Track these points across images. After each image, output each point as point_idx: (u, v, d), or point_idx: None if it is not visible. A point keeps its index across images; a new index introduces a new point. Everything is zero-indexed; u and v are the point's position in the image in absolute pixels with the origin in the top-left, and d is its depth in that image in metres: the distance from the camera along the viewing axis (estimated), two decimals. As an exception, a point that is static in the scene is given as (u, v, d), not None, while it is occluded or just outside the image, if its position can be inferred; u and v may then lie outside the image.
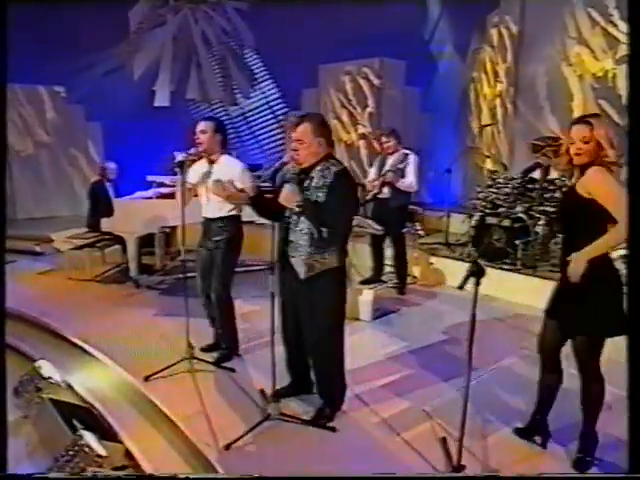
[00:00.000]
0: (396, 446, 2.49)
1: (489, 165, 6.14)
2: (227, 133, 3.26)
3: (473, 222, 5.26)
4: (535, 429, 2.52)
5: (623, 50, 5.77)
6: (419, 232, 5.99)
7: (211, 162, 3.19)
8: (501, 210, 5.04)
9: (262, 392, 2.87)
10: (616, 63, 5.81)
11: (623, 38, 5.75)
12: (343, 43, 8.24)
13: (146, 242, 5.24)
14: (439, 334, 3.91)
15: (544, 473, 2.32)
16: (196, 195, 3.27)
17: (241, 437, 2.45)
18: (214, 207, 3.18)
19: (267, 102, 10.36)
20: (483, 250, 5.17)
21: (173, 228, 5.80)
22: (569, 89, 6.00)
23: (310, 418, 2.64)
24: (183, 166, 3.06)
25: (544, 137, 5.32)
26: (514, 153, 6.38)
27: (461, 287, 2.04)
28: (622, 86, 5.80)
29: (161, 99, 8.47)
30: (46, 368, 3.18)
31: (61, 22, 7.20)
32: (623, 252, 2.63)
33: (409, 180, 4.69)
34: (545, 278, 4.66)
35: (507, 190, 5.01)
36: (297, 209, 2.34)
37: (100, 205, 5.25)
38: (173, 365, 3.15)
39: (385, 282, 5.06)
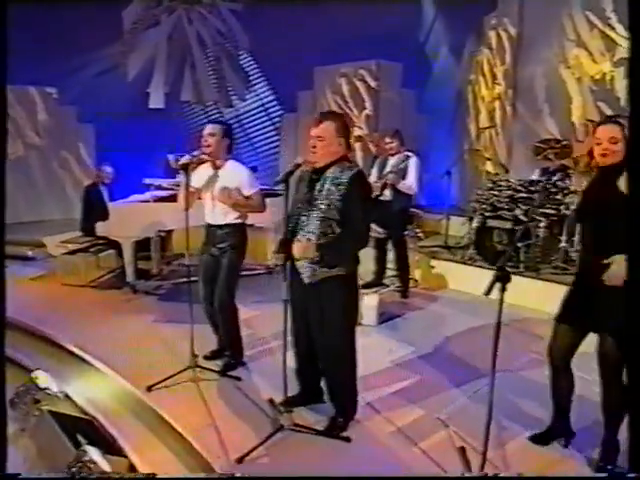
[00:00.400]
0: (413, 456, 2.41)
1: (489, 167, 6.12)
2: (234, 138, 3.18)
3: (474, 225, 5.23)
4: (554, 434, 2.46)
5: (621, 53, 5.79)
6: (419, 235, 5.95)
7: (216, 167, 3.10)
8: (502, 212, 5.01)
9: (271, 401, 2.77)
10: (614, 65, 5.83)
11: (621, 41, 5.77)
12: (339, 45, 8.21)
13: (141, 246, 5.11)
14: (445, 339, 3.85)
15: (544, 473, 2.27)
16: (200, 198, 3.17)
17: (254, 449, 2.36)
18: (219, 214, 3.10)
19: (262, 104, 10.28)
20: (485, 253, 5.14)
21: (169, 232, 5.69)
22: (568, 92, 6.00)
23: (323, 428, 2.55)
24: (187, 169, 2.97)
25: (546, 139, 5.31)
26: (512, 155, 6.37)
27: (487, 293, 1.97)
28: (620, 88, 5.82)
29: (155, 101, 8.34)
30: (43, 378, 3.06)
31: (53, 22, 7.05)
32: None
33: (409, 181, 4.64)
34: (548, 280, 4.64)
35: (509, 192, 4.98)
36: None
37: (94, 209, 5.12)
38: (177, 374, 3.04)
39: (387, 286, 5.00)
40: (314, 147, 2.33)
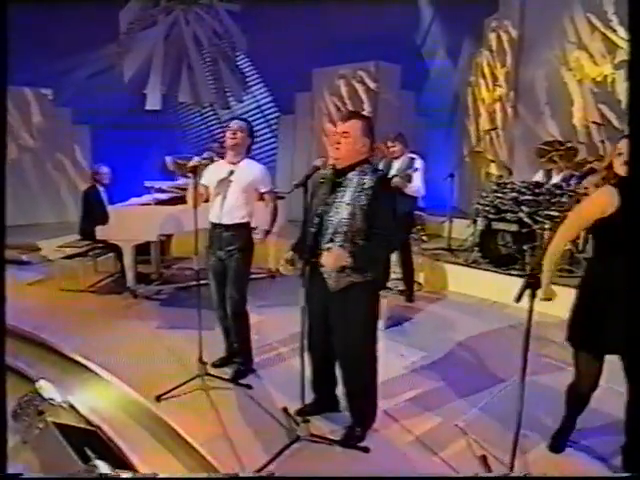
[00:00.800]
0: (434, 466, 2.35)
1: (493, 170, 6.10)
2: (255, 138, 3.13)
3: (479, 227, 5.19)
4: (565, 437, 2.43)
5: (622, 55, 5.80)
6: (422, 237, 5.90)
7: (233, 164, 3.03)
8: (506, 215, 4.98)
9: (285, 411, 2.70)
10: (615, 68, 5.84)
11: (622, 43, 5.79)
12: (337, 46, 8.17)
13: (139, 250, 5.00)
14: (456, 343, 3.80)
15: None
16: (207, 200, 3.09)
17: (271, 461, 2.28)
18: (228, 213, 3.01)
19: (258, 106, 10.20)
20: (489, 255, 5.11)
21: (168, 236, 5.59)
22: (569, 94, 6.01)
23: (341, 438, 2.48)
24: (196, 171, 2.89)
25: (550, 141, 5.29)
26: (514, 157, 6.36)
27: (518, 300, 1.91)
28: (621, 91, 5.83)
29: (152, 102, 8.22)
30: (47, 389, 2.95)
31: (48, 22, 6.92)
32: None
33: (416, 185, 4.59)
34: (554, 283, 4.60)
35: (513, 195, 4.95)
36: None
37: (93, 212, 5.00)
38: (185, 383, 2.95)
39: (391, 289, 4.94)
40: (338, 143, 2.27)
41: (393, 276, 5.06)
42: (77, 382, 3.23)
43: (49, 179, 7.86)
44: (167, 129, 8.68)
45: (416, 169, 4.66)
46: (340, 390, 2.72)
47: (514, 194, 4.95)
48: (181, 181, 4.79)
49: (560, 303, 4.34)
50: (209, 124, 10.36)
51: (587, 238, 5.12)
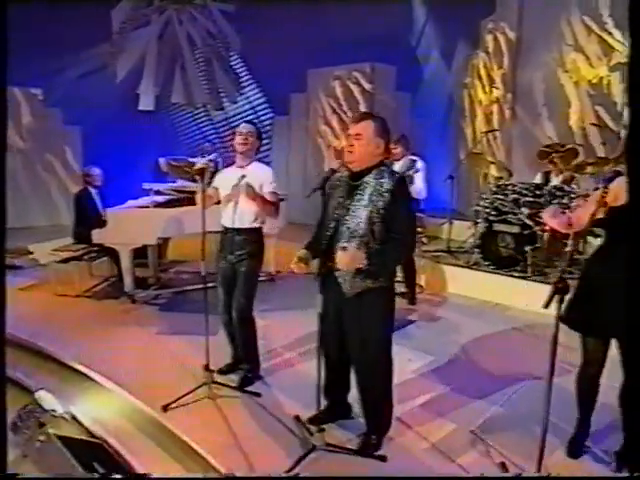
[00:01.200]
0: (453, 474, 2.30)
1: (494, 171, 6.11)
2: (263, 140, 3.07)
3: (480, 229, 5.18)
4: (581, 441, 2.42)
5: (617, 57, 5.86)
6: (422, 239, 5.87)
7: (242, 167, 2.99)
8: (507, 217, 4.98)
9: (298, 419, 2.64)
10: (610, 70, 5.89)
11: (617, 46, 5.84)
12: (332, 47, 8.12)
13: (136, 254, 4.89)
14: (462, 347, 3.77)
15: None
16: (218, 202, 3.04)
17: (289, 471, 2.21)
18: (240, 217, 2.95)
19: (252, 107, 10.11)
20: (490, 257, 5.10)
21: (165, 239, 5.49)
22: (566, 96, 6.04)
23: (357, 447, 2.43)
24: (203, 173, 2.82)
25: (552, 144, 5.31)
26: (512, 159, 6.37)
27: (546, 306, 1.87)
28: (617, 93, 5.88)
29: (145, 103, 8.09)
30: (48, 399, 2.84)
31: (39, 20, 6.75)
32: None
33: (418, 187, 4.57)
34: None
35: (514, 196, 4.95)
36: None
37: (87, 215, 4.89)
38: (192, 391, 2.87)
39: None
40: (352, 146, 2.21)
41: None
42: (78, 392, 3.13)
43: (39, 181, 7.68)
44: (159, 130, 8.53)
45: (417, 170, 4.64)
46: (352, 396, 2.68)
47: (515, 195, 4.95)
48: (179, 183, 4.69)
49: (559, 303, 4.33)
50: (201, 125, 10.24)
51: (587, 240, 5.15)
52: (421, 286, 5.15)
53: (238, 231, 2.96)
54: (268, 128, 9.71)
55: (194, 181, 4.83)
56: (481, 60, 6.94)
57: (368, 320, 2.28)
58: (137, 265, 5.03)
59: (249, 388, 3.01)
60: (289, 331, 3.92)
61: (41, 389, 2.93)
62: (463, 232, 5.92)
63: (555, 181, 5.15)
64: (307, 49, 8.27)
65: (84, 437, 2.70)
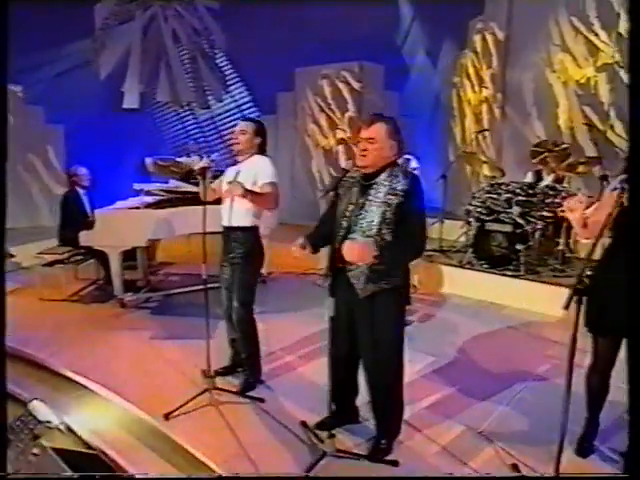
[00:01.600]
0: (466, 477, 2.27)
1: (486, 171, 6.14)
2: (267, 137, 2.96)
3: (473, 228, 5.19)
4: (590, 440, 2.42)
5: (603, 58, 5.95)
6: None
7: (241, 162, 2.91)
8: (500, 216, 5.00)
9: (305, 425, 2.58)
10: (597, 70, 5.98)
11: (603, 46, 5.93)
12: (319, 46, 8.07)
13: (125, 256, 4.76)
14: (460, 347, 3.76)
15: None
16: (220, 200, 2.96)
17: (301, 481, 2.16)
18: (235, 214, 2.86)
19: (237, 106, 9.99)
20: (483, 256, 5.11)
21: (155, 240, 5.35)
22: (555, 95, 6.10)
23: (367, 452, 2.38)
24: (204, 173, 2.74)
25: (543, 143, 5.35)
26: (502, 158, 6.41)
27: (566, 307, 1.85)
28: (604, 93, 5.97)
29: (130, 101, 7.89)
30: (43, 410, 2.70)
31: (17, 14, 6.50)
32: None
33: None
34: (549, 283, 4.65)
35: (508, 196, 4.97)
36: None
37: (74, 216, 4.73)
38: (194, 398, 2.78)
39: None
40: (365, 150, 2.16)
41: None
42: (71, 401, 3.00)
43: (20, 181, 7.41)
44: (144, 129, 8.34)
45: (413, 169, 4.63)
46: (359, 400, 2.63)
47: (508, 195, 4.97)
48: (172, 184, 4.57)
49: (555, 302, 4.36)
50: (186, 123, 10.08)
51: (577, 240, 5.21)
52: (414, 286, 5.13)
53: (232, 230, 2.89)
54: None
55: (182, 180, 4.77)
56: (470, 60, 6.98)
57: (381, 321, 2.24)
58: (126, 268, 4.90)
59: (252, 393, 2.93)
60: (286, 334, 3.86)
61: (34, 399, 2.80)
62: (454, 231, 5.94)
63: (547, 180, 5.20)
64: (294, 48, 8.20)
65: (81, 449, 2.59)
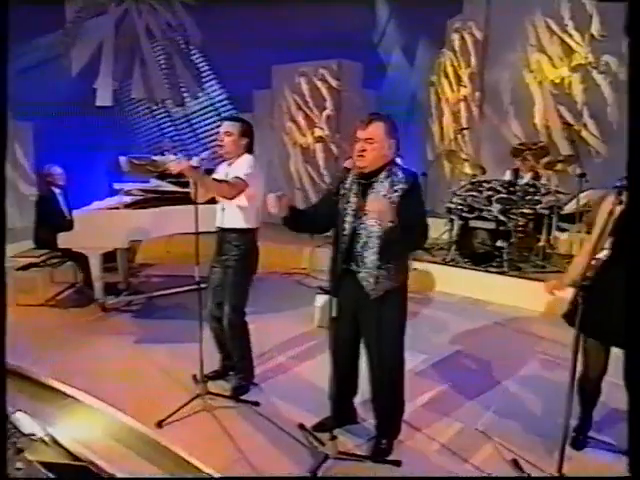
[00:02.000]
0: (469, 474, 2.28)
1: (467, 169, 6.21)
2: (254, 136, 2.88)
3: (456, 226, 5.25)
4: (584, 433, 2.48)
5: (577, 59, 6.11)
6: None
7: (230, 165, 2.83)
8: (482, 213, 5.07)
9: (303, 427, 2.54)
10: (571, 71, 6.14)
11: (577, 47, 6.09)
12: (297, 43, 8.00)
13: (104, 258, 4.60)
14: (451, 344, 3.80)
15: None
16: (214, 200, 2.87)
17: (307, 486, 2.12)
18: (227, 216, 2.80)
19: (212, 104, 9.82)
20: (467, 254, 5.18)
21: (136, 242, 5.20)
22: (531, 95, 6.23)
23: (369, 453, 2.37)
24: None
25: (524, 141, 5.46)
26: (481, 156, 6.51)
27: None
28: (577, 92, 6.13)
29: (103, 98, 7.62)
30: (25, 422, 2.58)
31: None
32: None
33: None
34: (531, 279, 4.75)
35: (489, 193, 5.04)
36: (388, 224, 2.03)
37: (51, 218, 4.54)
38: (187, 404, 2.70)
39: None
40: (363, 150, 2.13)
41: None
42: (56, 411, 2.86)
43: (-15, 181, 7.08)
44: (118, 127, 8.10)
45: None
46: (357, 400, 2.62)
47: (490, 192, 5.05)
48: (154, 183, 4.44)
49: (538, 298, 4.46)
50: (160, 121, 9.85)
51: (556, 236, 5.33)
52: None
53: (225, 232, 2.82)
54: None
55: (160, 179, 4.64)
56: (448, 58, 7.05)
57: (387, 321, 2.23)
58: (105, 270, 4.74)
59: (246, 396, 2.87)
60: (278, 334, 3.81)
61: (18, 411, 2.66)
62: (436, 229, 5.98)
63: (525, 178, 5.30)
64: (271, 45, 8.11)
65: (69, 461, 2.48)
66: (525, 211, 5.03)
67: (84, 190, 5.79)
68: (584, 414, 2.50)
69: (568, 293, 2.33)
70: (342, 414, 2.55)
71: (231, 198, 2.71)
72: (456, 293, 4.95)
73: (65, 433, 2.67)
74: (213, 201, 2.86)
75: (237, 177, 2.69)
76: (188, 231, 4.30)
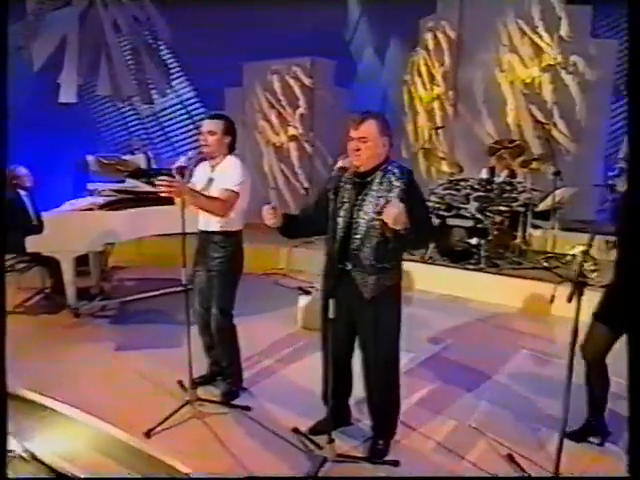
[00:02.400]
0: (467, 470, 2.29)
1: (445, 167, 6.28)
2: (236, 134, 2.80)
3: (436, 224, 5.29)
4: (589, 431, 2.49)
5: (547, 60, 6.28)
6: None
7: (213, 167, 2.73)
8: (459, 211, 5.14)
9: (297, 431, 2.49)
10: (541, 71, 6.31)
11: (547, 48, 6.26)
12: (269, 41, 7.91)
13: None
14: (436, 342, 3.83)
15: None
16: None
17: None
18: (211, 219, 2.71)
19: (181, 102, 9.61)
20: (445, 251, 5.24)
21: (110, 244, 5.00)
22: (503, 94, 6.37)
23: (366, 454, 2.34)
24: (184, 172, 2.56)
25: (500, 141, 5.56)
26: (455, 155, 6.60)
27: (569, 300, 1.89)
28: (547, 92, 6.31)
29: (67, 94, 7.29)
30: (3, 438, 2.42)
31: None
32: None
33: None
34: (508, 275, 4.84)
35: (467, 191, 5.11)
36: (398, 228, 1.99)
37: (18, 220, 4.29)
38: (177, 412, 2.60)
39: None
40: (358, 150, 2.09)
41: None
42: (34, 424, 2.71)
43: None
44: (83, 124, 7.78)
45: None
46: (352, 401, 2.59)
47: (467, 190, 5.12)
48: (129, 183, 4.28)
49: (515, 294, 4.54)
50: (127, 119, 9.56)
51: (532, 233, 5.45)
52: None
53: (208, 235, 2.73)
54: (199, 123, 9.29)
55: (132, 178, 4.48)
56: (421, 57, 7.11)
57: (384, 321, 2.21)
58: (76, 274, 4.55)
59: (236, 401, 2.80)
60: (260, 337, 3.73)
61: (-8, 426, 2.50)
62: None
63: (501, 176, 5.40)
64: (243, 42, 7.99)
65: (52, 476, 2.35)
66: (502, 209, 5.12)
67: (48, 191, 5.54)
68: (590, 409, 2.47)
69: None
70: (338, 415, 2.51)
71: (223, 215, 2.63)
72: (435, 291, 4.99)
73: (45, 447, 2.53)
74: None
75: (228, 189, 2.60)
76: (165, 232, 4.22)
